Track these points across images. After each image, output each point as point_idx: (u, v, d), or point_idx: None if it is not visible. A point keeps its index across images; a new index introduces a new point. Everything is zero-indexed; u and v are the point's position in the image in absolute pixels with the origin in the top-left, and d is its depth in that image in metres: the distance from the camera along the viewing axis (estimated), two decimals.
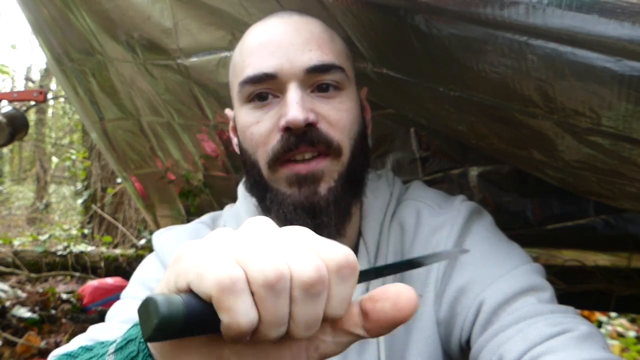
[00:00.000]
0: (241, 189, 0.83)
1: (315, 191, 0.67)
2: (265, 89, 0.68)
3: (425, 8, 0.63)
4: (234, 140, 0.79)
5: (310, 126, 0.65)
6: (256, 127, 0.68)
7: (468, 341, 0.69)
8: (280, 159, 0.67)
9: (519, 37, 0.56)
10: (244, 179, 0.80)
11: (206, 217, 0.86)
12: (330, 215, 0.67)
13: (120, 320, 0.70)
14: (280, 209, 0.67)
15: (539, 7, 0.51)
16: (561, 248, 1.36)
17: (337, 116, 0.68)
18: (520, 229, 1.26)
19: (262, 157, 0.69)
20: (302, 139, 0.65)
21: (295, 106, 0.64)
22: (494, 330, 0.63)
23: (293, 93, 0.65)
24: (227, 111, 0.81)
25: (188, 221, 0.99)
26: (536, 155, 0.85)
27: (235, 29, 1.09)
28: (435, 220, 0.76)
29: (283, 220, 0.67)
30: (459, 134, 1.04)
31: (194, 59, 1.22)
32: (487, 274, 0.68)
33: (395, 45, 0.77)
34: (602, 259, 1.33)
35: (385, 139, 1.27)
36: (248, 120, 0.69)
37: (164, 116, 1.47)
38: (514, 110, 0.71)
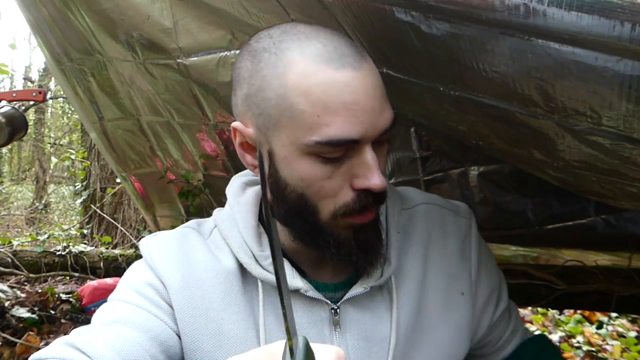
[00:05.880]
0: (232, 191, 0.80)
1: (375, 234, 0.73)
2: (344, 150, 0.67)
3: (425, 8, 0.63)
4: (247, 158, 0.73)
5: None
6: (327, 182, 0.67)
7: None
8: (350, 214, 0.68)
9: (519, 37, 0.56)
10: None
11: (191, 223, 0.84)
12: (380, 247, 0.73)
13: (102, 323, 0.69)
14: (341, 250, 0.70)
15: (539, 7, 0.51)
16: (561, 248, 1.36)
17: (384, 166, 0.72)
18: (520, 229, 1.26)
19: (326, 207, 0.68)
20: (376, 198, 0.68)
21: (377, 172, 0.65)
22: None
23: (370, 155, 0.66)
24: (237, 125, 0.72)
25: (188, 221, 0.99)
26: (537, 155, 0.85)
27: (235, 28, 1.09)
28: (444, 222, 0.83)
29: (339, 256, 0.70)
30: (459, 134, 1.04)
31: (193, 58, 1.21)
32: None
33: (396, 45, 0.77)
34: (602, 259, 1.33)
35: None
36: (318, 174, 0.67)
37: (163, 116, 1.47)
38: (514, 110, 0.71)
